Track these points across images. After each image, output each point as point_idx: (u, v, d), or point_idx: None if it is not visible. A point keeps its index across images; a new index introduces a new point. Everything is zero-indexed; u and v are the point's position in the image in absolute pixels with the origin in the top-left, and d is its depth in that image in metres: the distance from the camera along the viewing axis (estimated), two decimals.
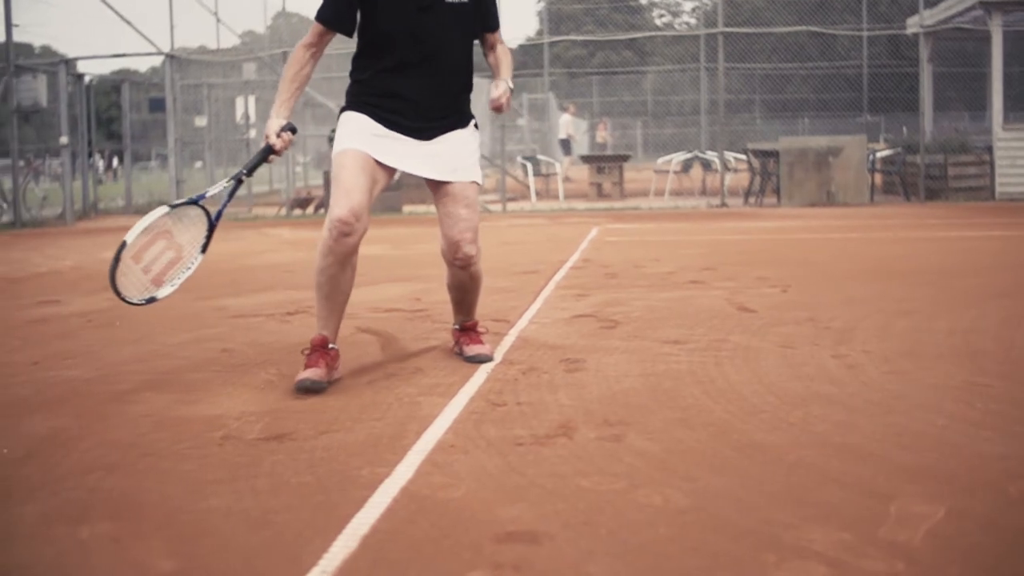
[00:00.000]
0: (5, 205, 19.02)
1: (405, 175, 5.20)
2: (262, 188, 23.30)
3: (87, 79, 20.95)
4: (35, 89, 19.05)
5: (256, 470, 3.53)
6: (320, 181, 21.25)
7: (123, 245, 4.45)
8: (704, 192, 20.04)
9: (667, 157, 21.22)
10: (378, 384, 4.76)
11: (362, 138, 4.78)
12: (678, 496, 3.13)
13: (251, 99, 23.31)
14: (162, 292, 4.72)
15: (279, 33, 27.57)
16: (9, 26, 18.79)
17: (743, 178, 19.64)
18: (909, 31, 19.93)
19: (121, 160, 27.81)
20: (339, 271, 4.70)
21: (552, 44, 28.74)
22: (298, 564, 2.69)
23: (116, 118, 27.37)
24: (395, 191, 17.84)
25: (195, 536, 2.94)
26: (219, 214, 4.82)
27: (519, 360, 5.18)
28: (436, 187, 4.99)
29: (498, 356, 5.27)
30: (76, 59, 20.14)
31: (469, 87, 5.06)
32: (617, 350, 5.36)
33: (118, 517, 3.13)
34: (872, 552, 2.69)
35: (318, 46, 4.81)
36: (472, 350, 5.24)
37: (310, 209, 18.74)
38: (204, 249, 4.84)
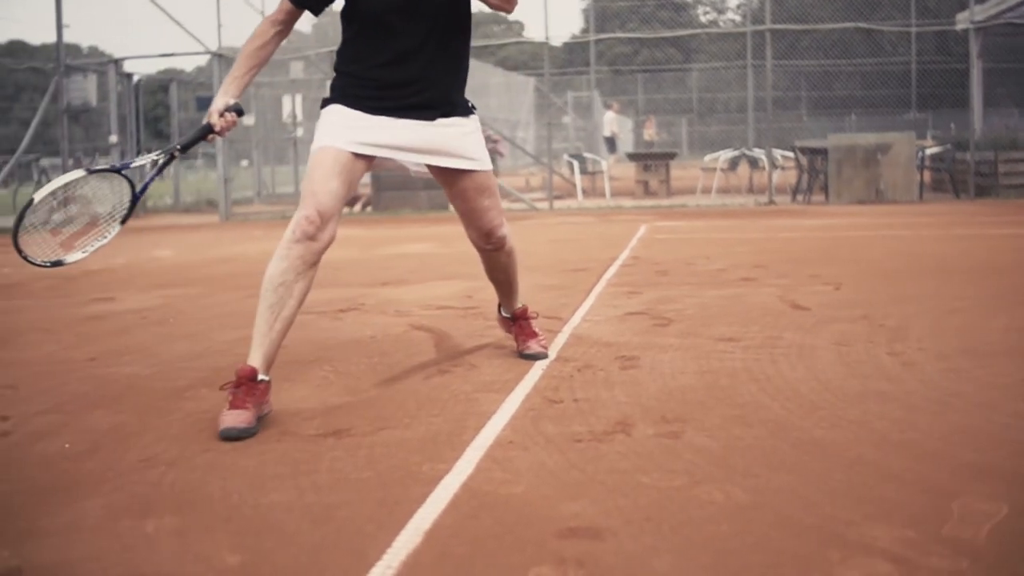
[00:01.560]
0: (56, 203, 19.19)
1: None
2: None
3: (135, 78, 21.11)
4: (85, 89, 19.27)
5: (316, 465, 3.55)
6: (366, 179, 21.35)
7: (30, 203, 4.19)
8: (751, 190, 19.95)
9: (714, 155, 21.15)
10: (433, 381, 4.78)
11: (346, 135, 4.38)
12: (739, 493, 3.13)
13: (298, 98, 23.46)
14: (70, 257, 4.33)
15: (325, 32, 27.72)
16: (60, 27, 18.99)
17: (790, 176, 19.56)
18: (958, 27, 19.79)
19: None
20: (293, 280, 4.18)
21: (597, 42, 28.68)
22: (363, 558, 2.71)
23: (163, 117, 27.59)
24: (441, 190, 17.84)
25: (259, 530, 2.97)
26: (144, 187, 4.47)
27: (574, 357, 5.18)
28: (452, 181, 4.72)
29: (552, 353, 5.27)
30: (123, 59, 20.29)
31: (467, 68, 4.67)
32: (671, 347, 5.35)
33: (182, 511, 3.16)
34: (937, 549, 2.67)
35: (285, 24, 4.40)
36: (529, 348, 5.19)
37: (357, 207, 18.81)
38: (124, 221, 4.44)
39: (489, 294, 7.46)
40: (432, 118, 4.51)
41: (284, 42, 4.55)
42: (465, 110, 4.66)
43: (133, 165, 4.42)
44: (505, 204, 18.20)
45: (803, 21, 23.32)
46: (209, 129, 4.31)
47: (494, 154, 20.17)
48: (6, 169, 19.19)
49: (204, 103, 23.22)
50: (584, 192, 20.12)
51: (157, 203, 22.47)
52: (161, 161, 4.41)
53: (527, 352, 5.19)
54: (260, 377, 4.13)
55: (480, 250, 5.03)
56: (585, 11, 49.57)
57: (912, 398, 4.23)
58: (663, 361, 5.03)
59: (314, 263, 4.25)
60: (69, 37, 18.47)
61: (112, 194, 4.43)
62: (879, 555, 2.64)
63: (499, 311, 5.46)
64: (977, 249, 9.98)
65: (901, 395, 4.28)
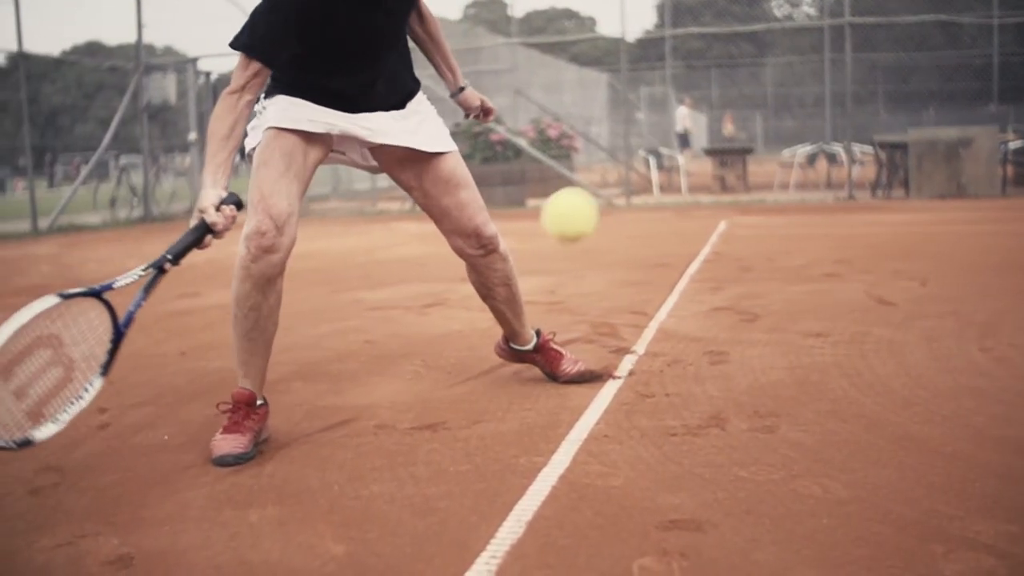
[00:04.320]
0: (136, 200, 19.54)
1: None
2: (386, 183, 23.50)
3: (213, 76, 21.37)
4: (164, 87, 19.53)
5: (413, 458, 3.59)
6: None
7: None
8: (829, 185, 19.77)
9: (791, 149, 21.00)
10: (524, 375, 4.79)
11: (293, 113, 3.84)
12: (837, 487, 3.13)
13: None
14: (41, 433, 3.08)
15: None
16: (140, 26, 19.27)
17: (868, 171, 19.38)
18: None
19: (243, 156, 28.35)
20: (261, 299, 3.76)
21: (671, 37, 28.60)
22: (467, 549, 2.74)
23: None
24: (518, 185, 17.90)
25: (361, 521, 3.01)
26: (129, 318, 3.38)
27: (662, 352, 5.18)
28: (422, 174, 4.14)
29: (641, 348, 5.28)
30: (197, 58, 20.57)
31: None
32: (760, 343, 5.34)
33: (283, 502, 3.21)
34: None
35: (254, 91, 3.65)
36: (567, 372, 4.59)
37: None
38: (106, 370, 3.31)
39: (573, 289, 7.50)
40: (401, 106, 4.05)
41: None
42: (416, 87, 4.14)
43: (117, 286, 3.32)
44: None
45: (881, 14, 23.05)
46: (206, 230, 3.48)
47: (570, 150, 20.17)
48: (88, 167, 19.49)
49: None
50: (660, 188, 20.07)
51: None
52: (150, 278, 3.43)
53: (568, 376, 4.58)
54: (258, 402, 3.88)
55: (470, 260, 4.37)
56: (659, 6, 49.35)
57: (1006, 394, 4.19)
58: (752, 356, 5.02)
59: (279, 274, 3.78)
60: (146, 37, 18.81)
61: (90, 330, 3.28)
62: (983, 550, 2.62)
63: (505, 343, 4.75)
64: None
65: (995, 391, 4.24)
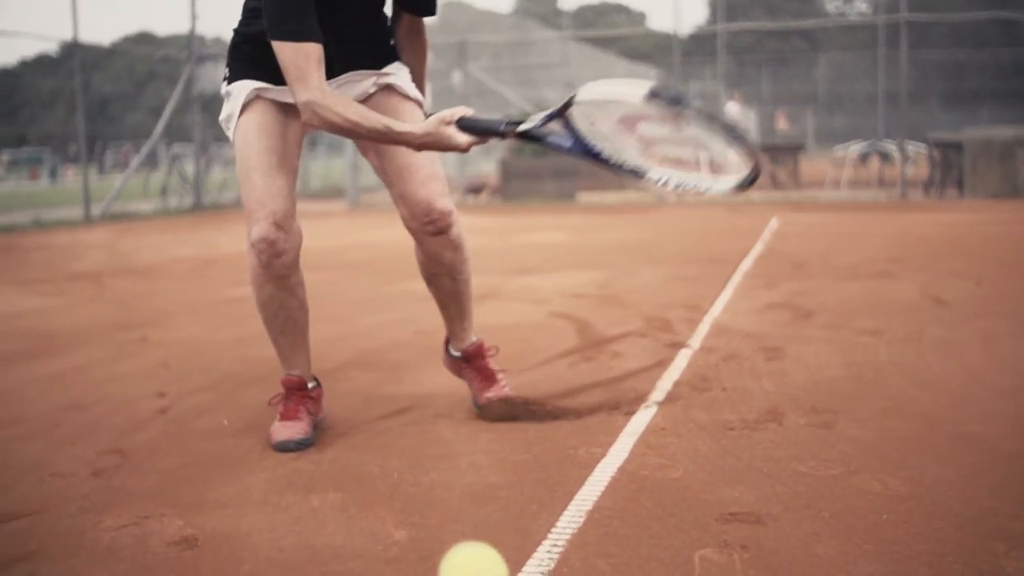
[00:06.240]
0: (187, 188, 19.73)
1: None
2: None
3: None
4: (216, 78, 19.71)
5: (472, 447, 3.62)
6: (491, 167, 21.49)
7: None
8: (881, 183, 19.63)
9: (844, 146, 20.87)
10: (579, 367, 4.82)
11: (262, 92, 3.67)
12: (897, 483, 3.12)
13: (428, 86, 23.67)
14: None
15: (450, 21, 27.89)
16: (193, 17, 19.42)
17: (920, 169, 19.24)
18: None
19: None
20: (287, 297, 3.74)
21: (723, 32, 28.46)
22: (529, 537, 2.77)
23: None
24: (569, 179, 17.91)
25: (423, 508, 3.03)
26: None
27: (718, 347, 5.18)
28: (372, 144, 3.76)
29: (696, 343, 5.28)
30: None
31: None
32: (815, 339, 5.32)
33: (344, 488, 3.25)
34: None
35: (323, 73, 3.41)
36: (492, 398, 4.02)
37: (483, 195, 18.94)
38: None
39: (626, 284, 7.51)
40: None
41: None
42: (395, 55, 3.93)
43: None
44: (633, 194, 18.27)
45: (936, 11, 22.86)
46: (464, 117, 3.47)
47: None
48: (140, 155, 19.67)
49: None
50: None
51: None
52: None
53: (487, 402, 4.02)
54: (310, 385, 3.92)
55: (416, 236, 3.84)
56: (711, 2, 49.19)
57: None
58: (808, 353, 5.01)
59: (295, 269, 3.72)
60: (197, 28, 19.02)
61: None
62: None
63: (446, 347, 4.28)
64: None
65: None
